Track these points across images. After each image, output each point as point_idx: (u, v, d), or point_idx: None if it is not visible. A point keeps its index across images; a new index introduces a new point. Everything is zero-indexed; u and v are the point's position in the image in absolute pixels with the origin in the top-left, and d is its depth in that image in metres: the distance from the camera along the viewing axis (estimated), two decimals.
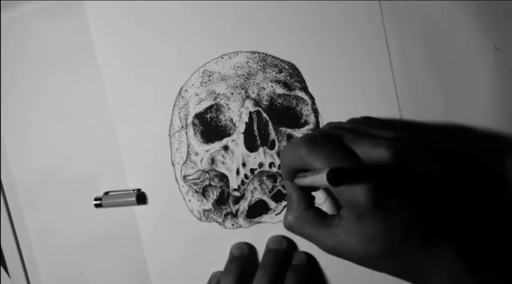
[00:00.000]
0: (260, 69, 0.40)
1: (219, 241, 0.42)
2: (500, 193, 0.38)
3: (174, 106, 0.42)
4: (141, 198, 0.42)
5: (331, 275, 0.41)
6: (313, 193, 0.34)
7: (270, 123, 0.40)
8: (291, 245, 0.41)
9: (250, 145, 0.41)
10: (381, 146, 0.29)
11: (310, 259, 0.41)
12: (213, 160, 0.41)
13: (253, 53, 0.40)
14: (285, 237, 0.41)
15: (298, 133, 0.40)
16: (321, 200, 0.40)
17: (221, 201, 0.41)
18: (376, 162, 0.29)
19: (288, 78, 0.40)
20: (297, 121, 0.40)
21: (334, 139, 0.31)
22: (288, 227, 0.33)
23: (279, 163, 0.40)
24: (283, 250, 0.40)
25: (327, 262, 0.41)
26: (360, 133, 0.32)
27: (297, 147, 0.31)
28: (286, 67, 0.40)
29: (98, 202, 0.42)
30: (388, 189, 0.29)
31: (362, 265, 0.31)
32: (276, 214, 0.41)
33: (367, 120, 0.38)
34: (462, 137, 0.38)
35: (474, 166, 0.38)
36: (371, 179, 0.28)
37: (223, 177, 0.41)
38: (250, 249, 0.41)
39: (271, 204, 0.41)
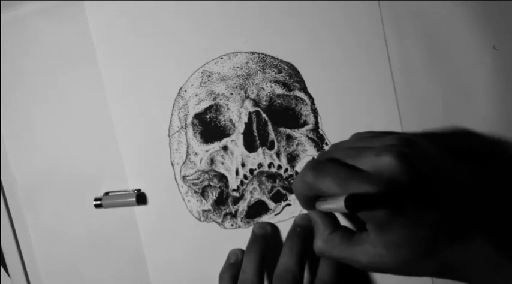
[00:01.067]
0: (259, 70, 0.40)
1: (218, 242, 0.42)
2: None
3: (173, 107, 0.42)
4: (141, 198, 0.42)
5: None
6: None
7: (269, 124, 0.40)
8: None
9: (250, 146, 0.41)
10: (384, 154, 0.29)
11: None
12: (212, 161, 0.41)
13: (252, 53, 0.40)
14: None
15: (297, 133, 0.40)
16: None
17: (220, 201, 0.41)
18: (384, 171, 0.28)
19: (287, 78, 0.40)
20: (296, 121, 0.40)
21: (337, 160, 0.31)
22: (319, 253, 0.34)
23: (279, 164, 0.40)
24: (311, 227, 0.38)
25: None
26: (360, 147, 0.32)
27: (303, 175, 0.32)
28: (286, 67, 0.40)
29: (98, 202, 0.42)
30: (403, 194, 0.28)
31: (401, 274, 0.31)
32: (276, 215, 0.41)
33: (369, 133, 0.38)
34: (465, 140, 0.38)
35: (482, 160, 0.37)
36: (387, 199, 0.28)
37: (222, 177, 0.41)
38: (273, 229, 0.41)
39: (271, 204, 0.41)
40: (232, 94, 0.41)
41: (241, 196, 0.41)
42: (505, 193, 0.34)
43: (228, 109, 0.41)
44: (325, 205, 0.31)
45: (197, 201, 0.42)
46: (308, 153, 0.40)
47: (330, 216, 0.34)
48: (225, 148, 0.41)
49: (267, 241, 0.40)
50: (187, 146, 0.41)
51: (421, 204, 0.29)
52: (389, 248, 0.29)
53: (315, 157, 0.40)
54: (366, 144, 0.32)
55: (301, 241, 0.38)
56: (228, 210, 0.41)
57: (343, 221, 0.39)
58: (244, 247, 0.41)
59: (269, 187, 0.41)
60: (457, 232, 0.29)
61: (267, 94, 0.40)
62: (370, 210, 0.28)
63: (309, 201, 0.33)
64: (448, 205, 0.29)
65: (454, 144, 0.38)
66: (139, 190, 0.42)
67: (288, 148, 0.40)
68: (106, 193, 0.43)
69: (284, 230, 0.41)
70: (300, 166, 0.40)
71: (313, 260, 0.39)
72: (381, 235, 0.29)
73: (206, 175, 0.41)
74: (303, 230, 0.39)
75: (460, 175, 0.31)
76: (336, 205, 0.27)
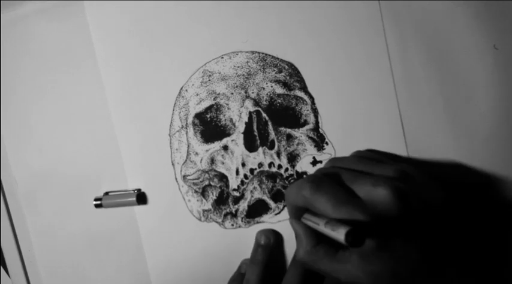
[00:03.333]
0: (260, 69, 0.40)
1: (219, 241, 0.42)
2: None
3: (174, 106, 0.42)
4: (141, 198, 0.42)
5: None
6: None
7: (269, 123, 0.40)
8: None
9: (250, 145, 0.41)
10: (381, 186, 0.29)
11: None
12: (212, 160, 0.41)
13: (253, 52, 0.40)
14: None
15: (297, 133, 0.40)
16: None
17: (221, 201, 0.41)
18: (377, 202, 0.29)
19: (288, 78, 0.40)
20: (296, 121, 0.40)
21: (335, 180, 0.32)
22: (301, 262, 0.34)
23: (279, 163, 0.40)
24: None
25: None
26: (359, 173, 0.32)
27: (301, 188, 0.32)
28: (286, 67, 0.40)
29: (98, 202, 0.42)
30: (391, 229, 0.29)
31: None
32: (276, 214, 0.41)
33: (371, 153, 0.38)
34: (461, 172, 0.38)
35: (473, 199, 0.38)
36: (381, 231, 0.29)
37: (222, 177, 0.41)
38: (277, 237, 0.41)
39: (271, 203, 0.41)
40: (232, 93, 0.41)
41: (242, 196, 0.41)
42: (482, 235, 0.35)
43: (228, 108, 0.41)
44: (315, 226, 0.31)
45: (197, 200, 0.42)
46: (308, 152, 0.40)
47: (313, 229, 0.34)
48: (225, 147, 0.41)
49: (270, 250, 0.40)
50: (188, 146, 0.41)
51: (406, 240, 0.29)
52: (369, 275, 0.30)
53: (314, 170, 0.40)
54: (365, 168, 0.33)
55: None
56: (228, 210, 0.41)
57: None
58: (244, 247, 0.41)
59: (269, 186, 0.41)
60: (436, 269, 0.30)
61: (267, 94, 0.40)
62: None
63: (299, 212, 0.34)
64: (432, 243, 0.30)
65: (452, 176, 0.38)
66: (139, 190, 0.42)
67: (288, 148, 0.40)
68: (106, 193, 0.43)
69: (285, 230, 0.41)
70: (300, 165, 0.40)
71: None
72: (363, 263, 0.30)
73: (206, 175, 0.41)
74: None
75: (446, 214, 0.32)
76: (334, 234, 0.28)
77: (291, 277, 0.36)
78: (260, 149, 0.41)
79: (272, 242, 0.40)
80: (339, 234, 0.27)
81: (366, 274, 0.30)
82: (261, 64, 0.40)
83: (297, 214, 0.34)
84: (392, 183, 0.30)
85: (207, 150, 0.41)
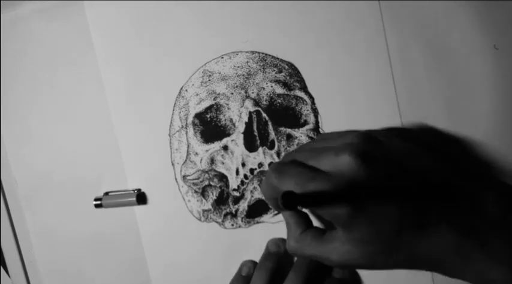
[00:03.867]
0: (260, 69, 0.40)
1: (219, 241, 0.42)
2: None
3: (174, 106, 0.42)
4: (141, 198, 0.42)
5: None
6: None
7: (269, 123, 0.40)
8: None
9: (250, 145, 0.41)
10: (343, 152, 0.29)
11: (353, 274, 0.40)
12: (212, 160, 0.41)
13: (253, 52, 0.40)
14: None
15: (297, 133, 0.40)
16: None
17: (220, 201, 0.41)
18: (344, 170, 0.29)
19: (288, 78, 0.40)
20: (296, 121, 0.40)
21: (299, 163, 0.32)
22: (291, 252, 0.34)
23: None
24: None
25: (369, 276, 0.40)
26: (321, 149, 0.32)
27: (268, 178, 0.32)
28: (286, 67, 0.40)
29: (98, 202, 0.42)
30: (364, 191, 0.29)
31: (374, 269, 0.31)
32: (276, 214, 0.41)
33: (334, 133, 0.37)
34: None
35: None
36: (340, 194, 0.28)
37: (222, 177, 0.41)
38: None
39: None
40: (232, 93, 0.41)
41: (242, 196, 0.41)
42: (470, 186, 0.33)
43: (228, 108, 0.41)
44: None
45: (197, 200, 0.42)
46: None
47: (302, 216, 0.34)
48: (225, 147, 0.41)
49: (279, 258, 0.40)
50: (188, 146, 0.41)
51: (381, 200, 0.29)
52: (356, 244, 0.30)
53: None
54: (327, 144, 0.33)
55: (307, 270, 0.38)
56: (228, 210, 0.41)
57: (316, 222, 0.39)
58: (244, 247, 0.41)
59: None
60: (420, 223, 0.29)
61: (267, 94, 0.40)
62: (318, 207, 0.29)
63: (278, 202, 0.34)
64: (409, 199, 0.30)
65: (432, 143, 0.38)
66: (139, 190, 0.42)
67: (288, 148, 0.40)
68: (106, 193, 0.43)
69: (285, 230, 0.41)
70: None
71: None
72: (347, 233, 0.30)
73: (206, 175, 0.41)
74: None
75: (425, 170, 0.31)
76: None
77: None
78: (260, 149, 0.41)
79: (282, 251, 0.40)
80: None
81: (353, 244, 0.30)
82: (261, 64, 0.40)
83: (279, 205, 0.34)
84: (354, 147, 0.29)
85: (207, 150, 0.41)
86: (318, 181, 0.29)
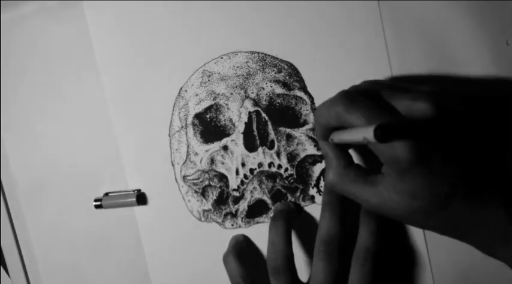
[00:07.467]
0: (259, 69, 0.40)
1: (219, 242, 0.42)
2: None
3: (174, 107, 0.42)
4: (141, 199, 0.42)
5: None
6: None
7: (269, 123, 0.40)
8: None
9: (250, 145, 0.41)
10: (421, 99, 0.28)
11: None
12: (212, 161, 0.41)
13: (252, 53, 0.40)
14: None
15: (297, 132, 0.40)
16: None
17: (220, 201, 0.41)
18: (417, 116, 0.28)
19: (287, 77, 0.40)
20: (296, 120, 0.40)
21: (371, 95, 0.30)
22: (330, 185, 0.33)
23: (279, 163, 0.40)
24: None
25: None
26: (398, 88, 0.31)
27: (333, 104, 0.30)
28: (285, 67, 0.40)
29: (98, 203, 0.42)
30: (432, 144, 0.28)
31: (407, 223, 0.30)
32: None
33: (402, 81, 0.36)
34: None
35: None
36: (416, 134, 0.27)
37: (222, 177, 0.41)
38: (296, 206, 0.40)
39: (271, 203, 0.41)
40: (232, 94, 0.41)
41: (242, 196, 0.41)
42: None
43: (228, 109, 0.41)
44: (346, 136, 0.29)
45: (197, 200, 0.42)
46: (308, 152, 0.40)
47: (343, 150, 0.33)
48: (225, 148, 0.41)
49: (291, 215, 0.39)
50: (188, 146, 0.41)
51: (446, 157, 0.28)
52: (403, 195, 0.28)
53: (314, 170, 0.39)
54: (402, 86, 0.31)
55: (341, 205, 0.35)
56: (228, 210, 0.41)
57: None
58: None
59: (269, 186, 0.41)
60: (475, 192, 0.28)
61: (266, 94, 0.40)
62: (398, 140, 0.27)
63: (328, 131, 0.32)
64: (472, 162, 0.29)
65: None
66: (139, 190, 0.42)
67: (288, 148, 0.40)
68: (106, 194, 0.43)
69: None
70: (300, 165, 0.40)
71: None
72: (398, 181, 0.28)
73: (206, 175, 0.41)
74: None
75: (488, 134, 0.31)
76: (362, 134, 0.25)
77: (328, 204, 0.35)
78: (260, 149, 0.41)
79: (293, 208, 0.39)
80: (368, 132, 0.24)
81: (399, 194, 0.28)
82: (261, 64, 0.40)
83: (327, 135, 0.32)
84: (432, 97, 0.28)
85: (206, 150, 0.41)
86: (392, 118, 0.28)
